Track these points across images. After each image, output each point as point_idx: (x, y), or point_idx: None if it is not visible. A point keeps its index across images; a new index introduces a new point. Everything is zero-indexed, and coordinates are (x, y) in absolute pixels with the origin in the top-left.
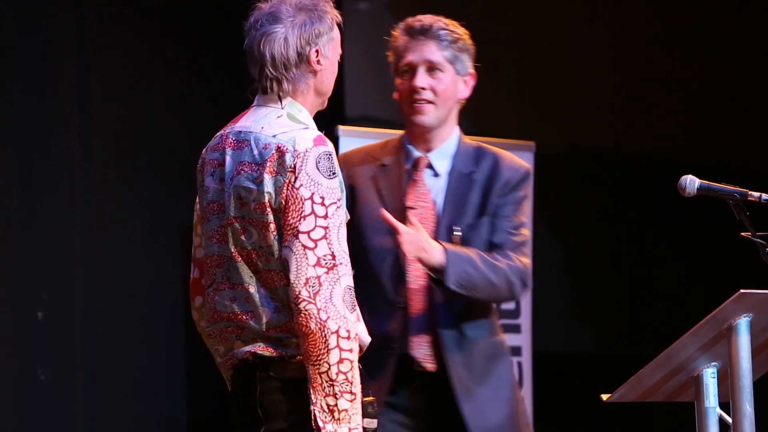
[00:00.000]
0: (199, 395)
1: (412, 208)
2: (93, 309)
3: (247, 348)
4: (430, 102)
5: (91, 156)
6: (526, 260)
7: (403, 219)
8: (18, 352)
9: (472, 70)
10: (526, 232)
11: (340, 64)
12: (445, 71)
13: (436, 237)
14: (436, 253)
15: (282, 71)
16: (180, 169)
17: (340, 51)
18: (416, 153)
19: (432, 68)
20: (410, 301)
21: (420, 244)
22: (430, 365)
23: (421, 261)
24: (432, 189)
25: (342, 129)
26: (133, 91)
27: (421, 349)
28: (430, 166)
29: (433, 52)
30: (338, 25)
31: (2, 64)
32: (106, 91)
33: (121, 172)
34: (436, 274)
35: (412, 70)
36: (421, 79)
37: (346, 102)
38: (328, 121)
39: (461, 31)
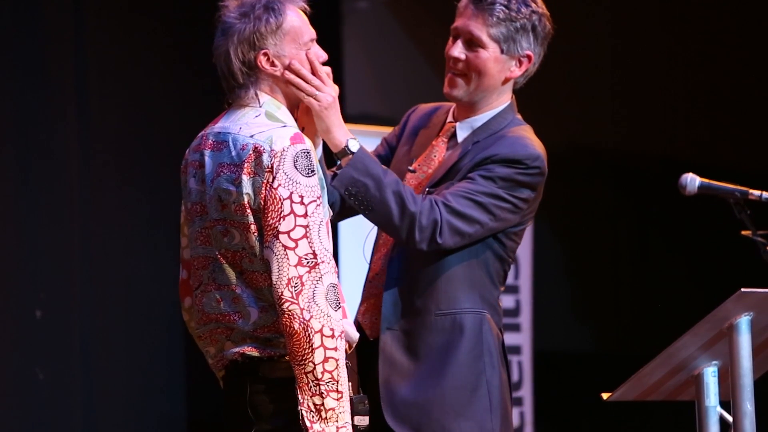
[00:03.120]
0: (198, 394)
1: (412, 171)
2: (92, 308)
3: (236, 349)
4: (462, 74)
5: (90, 154)
6: (452, 218)
7: (402, 180)
8: (16, 351)
9: (530, 51)
10: (483, 202)
11: (339, 62)
12: (487, 48)
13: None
14: (340, 135)
15: (237, 82)
16: (178, 167)
17: (307, 38)
18: (450, 119)
19: (472, 42)
20: (372, 261)
21: (335, 117)
22: (368, 332)
23: (321, 132)
24: (445, 156)
25: None
26: (131, 90)
27: (367, 315)
28: (455, 135)
29: (478, 26)
30: (302, 10)
31: (0, 62)
32: (104, 90)
33: (120, 170)
34: (336, 161)
35: (456, 37)
36: (457, 49)
37: (345, 99)
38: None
39: (528, 11)
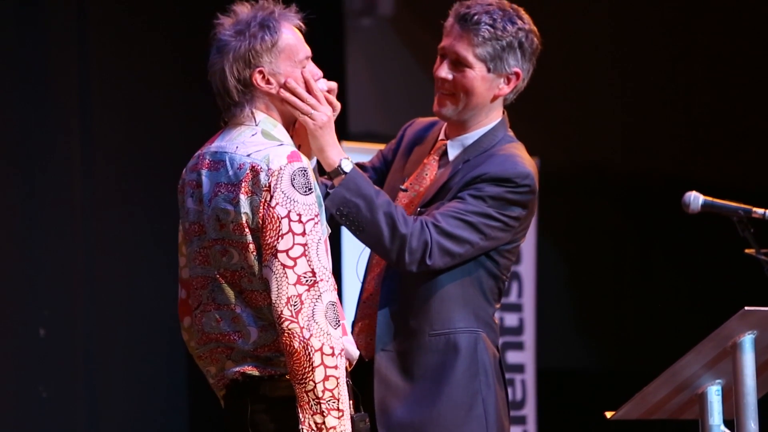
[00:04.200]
0: (200, 411)
1: (404, 189)
2: (95, 325)
3: (237, 368)
4: (451, 94)
5: (93, 168)
6: (442, 239)
7: (394, 199)
8: (19, 369)
9: (517, 69)
10: (472, 222)
11: (342, 80)
12: (473, 67)
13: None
14: (334, 154)
15: (233, 100)
16: None
17: (302, 56)
18: (441, 136)
19: (458, 62)
20: (365, 281)
21: (330, 136)
22: (363, 353)
23: (315, 151)
24: (437, 175)
25: (345, 145)
26: (135, 103)
27: (361, 336)
28: (446, 153)
29: (464, 46)
30: (298, 28)
31: (4, 74)
32: (107, 103)
33: (123, 187)
34: (328, 180)
35: (443, 56)
36: (444, 70)
37: (349, 117)
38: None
39: (515, 28)
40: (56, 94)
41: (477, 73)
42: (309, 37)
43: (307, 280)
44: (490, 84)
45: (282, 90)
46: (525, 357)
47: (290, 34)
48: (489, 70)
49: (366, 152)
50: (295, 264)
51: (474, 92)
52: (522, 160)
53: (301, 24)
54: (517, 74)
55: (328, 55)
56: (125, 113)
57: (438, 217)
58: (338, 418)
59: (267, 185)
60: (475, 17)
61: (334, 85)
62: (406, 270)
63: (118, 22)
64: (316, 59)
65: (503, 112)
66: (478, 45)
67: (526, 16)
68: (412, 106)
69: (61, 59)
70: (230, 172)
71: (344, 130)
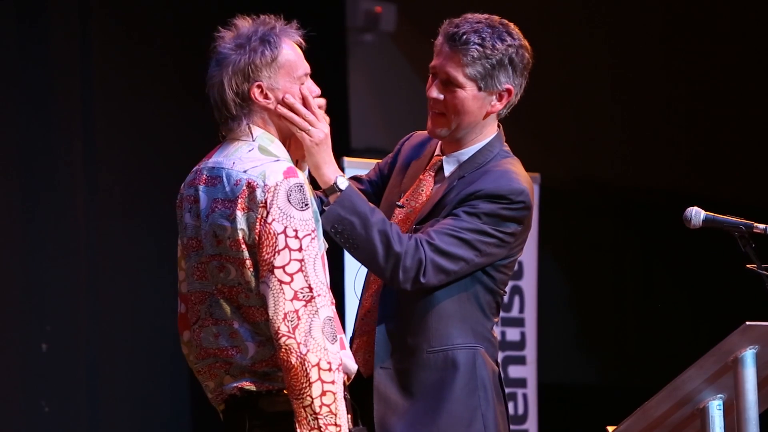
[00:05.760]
0: (202, 427)
1: (400, 206)
2: (97, 340)
3: (235, 383)
4: (442, 114)
5: (96, 187)
6: (436, 257)
7: (390, 215)
8: (22, 384)
9: (509, 85)
10: (467, 239)
11: (344, 95)
12: (464, 87)
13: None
14: (330, 171)
15: (230, 113)
16: None
17: (301, 72)
18: (437, 152)
19: (449, 81)
20: (363, 298)
21: (326, 153)
22: (362, 370)
23: (311, 168)
24: (432, 191)
25: (347, 160)
26: (137, 123)
27: (360, 352)
28: (441, 169)
29: (453, 66)
30: (298, 44)
31: (7, 95)
32: (110, 123)
33: (126, 203)
34: (324, 197)
35: (434, 75)
36: (435, 90)
37: (351, 133)
38: (332, 152)
39: (504, 45)
40: (59, 112)
41: (468, 93)
42: (311, 53)
43: (303, 296)
44: (481, 102)
45: (280, 105)
46: (526, 371)
47: (290, 50)
48: (480, 89)
49: (367, 168)
50: (292, 279)
51: (465, 111)
52: (517, 176)
53: (302, 41)
54: (509, 91)
55: (330, 71)
56: (128, 133)
57: (432, 235)
58: None
59: (263, 201)
60: (464, 36)
61: (322, 101)
62: (401, 288)
63: (120, 41)
64: (319, 75)
65: (498, 126)
66: (467, 65)
67: (516, 32)
68: (413, 121)
69: (65, 80)
70: (227, 188)
71: (346, 146)
